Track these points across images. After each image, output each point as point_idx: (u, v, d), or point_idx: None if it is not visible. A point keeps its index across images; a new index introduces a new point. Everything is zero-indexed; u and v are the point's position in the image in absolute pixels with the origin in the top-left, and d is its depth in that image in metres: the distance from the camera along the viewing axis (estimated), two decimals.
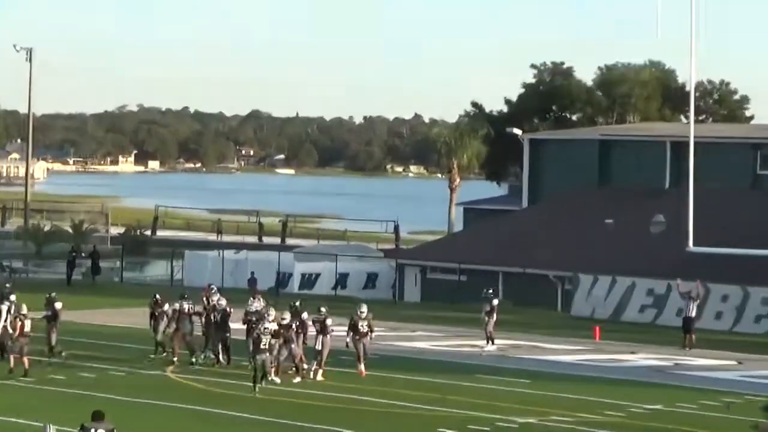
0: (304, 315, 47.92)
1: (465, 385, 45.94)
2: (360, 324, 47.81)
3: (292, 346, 45.93)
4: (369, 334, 47.85)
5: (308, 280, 79.33)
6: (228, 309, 49.47)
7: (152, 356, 49.47)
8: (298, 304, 49.54)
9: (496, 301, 56.52)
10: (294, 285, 78.50)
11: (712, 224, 60.48)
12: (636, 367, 53.36)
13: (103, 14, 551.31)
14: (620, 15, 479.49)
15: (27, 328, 46.61)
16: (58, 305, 50.51)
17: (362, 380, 45.57)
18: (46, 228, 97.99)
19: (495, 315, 55.70)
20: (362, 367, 47.08)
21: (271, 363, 44.81)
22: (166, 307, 50.52)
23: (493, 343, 55.21)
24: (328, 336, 47.59)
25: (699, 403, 44.20)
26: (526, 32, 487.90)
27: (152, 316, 50.63)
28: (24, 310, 47.33)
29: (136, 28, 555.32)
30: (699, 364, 54.21)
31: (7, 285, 53.72)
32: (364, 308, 48.28)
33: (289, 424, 37.24)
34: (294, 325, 46.88)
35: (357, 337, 47.70)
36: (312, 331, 47.28)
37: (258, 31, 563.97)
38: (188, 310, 49.40)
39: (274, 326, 45.41)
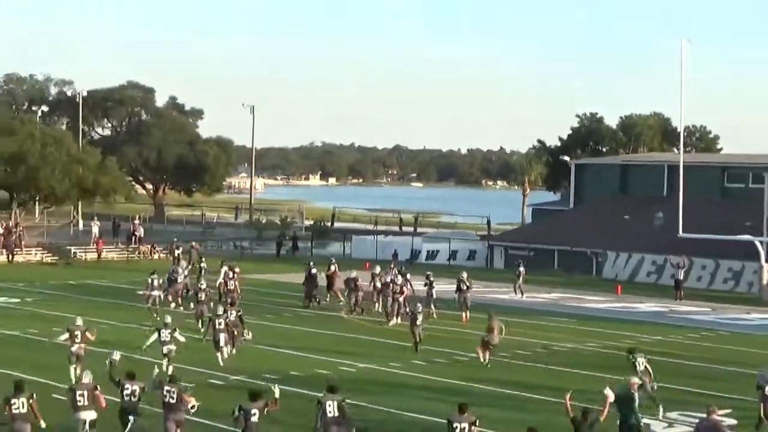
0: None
1: (530, 322, 46.15)
2: (461, 284, 48.09)
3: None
4: (468, 290, 47.85)
5: (431, 255, 79.41)
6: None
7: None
8: (429, 273, 50.40)
9: (522, 269, 57.70)
10: (422, 258, 78.72)
11: (695, 219, 60.01)
12: (644, 311, 53.24)
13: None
14: (636, 81, 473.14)
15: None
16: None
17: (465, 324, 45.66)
18: (263, 221, 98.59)
19: (521, 277, 57.15)
20: (465, 315, 46.77)
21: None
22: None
23: (522, 295, 56.33)
24: (434, 290, 48.75)
25: (685, 336, 44.09)
26: (571, 90, 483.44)
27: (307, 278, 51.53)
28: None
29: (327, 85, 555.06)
30: (685, 309, 54.00)
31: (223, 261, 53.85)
32: (464, 274, 48.67)
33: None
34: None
35: (460, 293, 47.96)
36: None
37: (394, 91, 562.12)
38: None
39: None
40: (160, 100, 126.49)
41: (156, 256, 73.14)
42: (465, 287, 48.18)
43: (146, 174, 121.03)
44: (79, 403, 23.81)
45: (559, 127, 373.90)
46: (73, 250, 75.00)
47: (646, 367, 28.61)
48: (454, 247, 79.94)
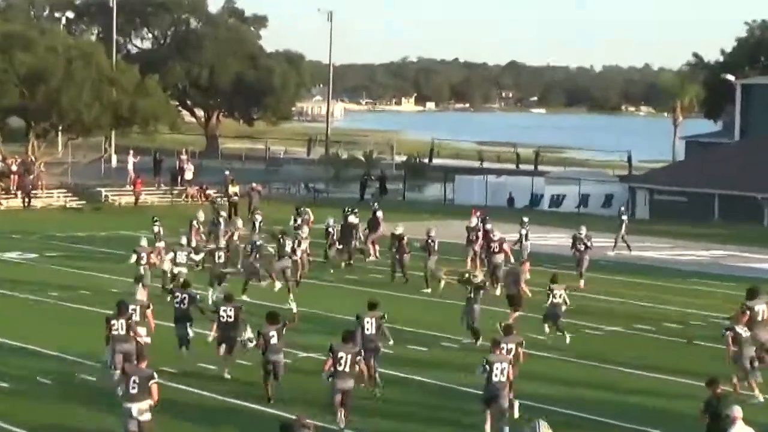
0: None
1: (678, 286, 45.49)
2: (578, 243, 46.40)
3: None
4: (587, 250, 46.17)
5: (556, 200, 79.12)
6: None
7: None
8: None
9: (624, 217, 57.43)
10: (545, 204, 78.43)
11: None
12: None
13: None
14: None
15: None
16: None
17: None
18: (343, 156, 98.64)
19: (624, 226, 56.30)
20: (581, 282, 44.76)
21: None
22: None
23: (630, 250, 55.31)
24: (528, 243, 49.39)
25: None
26: None
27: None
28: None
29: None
30: None
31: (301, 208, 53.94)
32: (584, 229, 46.83)
33: None
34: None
35: (577, 252, 46.48)
36: None
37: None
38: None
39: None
40: (214, 5, 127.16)
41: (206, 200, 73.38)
42: (583, 246, 46.38)
43: (196, 98, 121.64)
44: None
45: (722, 37, 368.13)
46: (104, 193, 75.76)
47: None
48: (586, 191, 79.42)
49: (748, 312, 30.38)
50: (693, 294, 44.17)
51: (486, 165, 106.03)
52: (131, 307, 29.36)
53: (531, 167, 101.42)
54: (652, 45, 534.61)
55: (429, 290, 43.43)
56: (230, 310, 29.91)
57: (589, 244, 46.43)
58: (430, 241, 44.90)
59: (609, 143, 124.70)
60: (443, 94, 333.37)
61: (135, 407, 24.15)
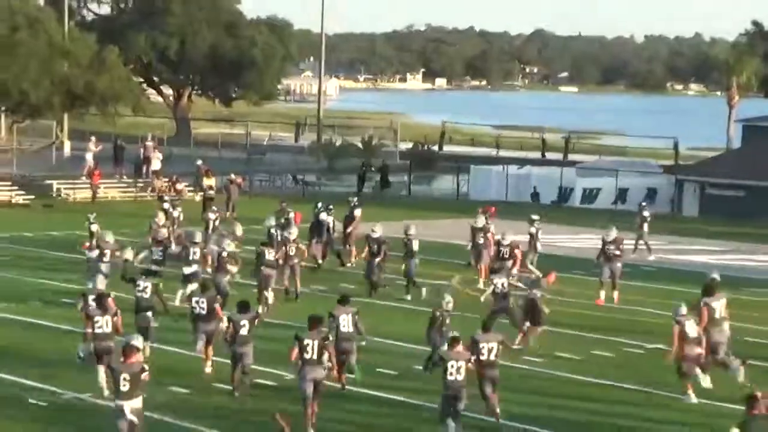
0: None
1: (731, 296, 45.36)
2: (607, 248, 44.98)
3: None
4: (618, 258, 44.75)
5: (589, 195, 79.33)
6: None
7: None
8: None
9: (646, 213, 56.89)
10: (575, 200, 78.62)
11: None
12: None
13: None
14: None
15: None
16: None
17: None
18: (338, 143, 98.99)
19: (646, 225, 55.99)
20: (614, 293, 44.07)
21: None
22: None
23: (650, 254, 55.16)
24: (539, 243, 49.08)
25: None
26: None
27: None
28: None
29: None
30: None
31: (283, 203, 54.07)
32: (614, 232, 45.42)
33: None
34: None
35: (606, 260, 44.79)
36: None
37: None
38: None
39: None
40: None
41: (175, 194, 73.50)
42: (613, 254, 45.02)
43: (164, 73, 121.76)
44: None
45: None
46: (55, 186, 75.88)
47: None
48: (624, 184, 79.69)
49: (706, 310, 32.03)
50: (750, 306, 44.14)
51: (506, 153, 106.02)
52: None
53: (560, 156, 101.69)
54: (703, 10, 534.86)
55: (409, 297, 43.41)
56: (203, 302, 31.90)
57: (621, 249, 45.37)
58: (407, 240, 44.61)
59: (652, 128, 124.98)
60: (456, 69, 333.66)
61: (127, 406, 25.17)
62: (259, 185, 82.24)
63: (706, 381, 31.05)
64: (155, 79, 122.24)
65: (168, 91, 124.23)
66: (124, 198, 75.50)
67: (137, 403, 25.36)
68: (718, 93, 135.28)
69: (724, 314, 32.81)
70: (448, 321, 32.94)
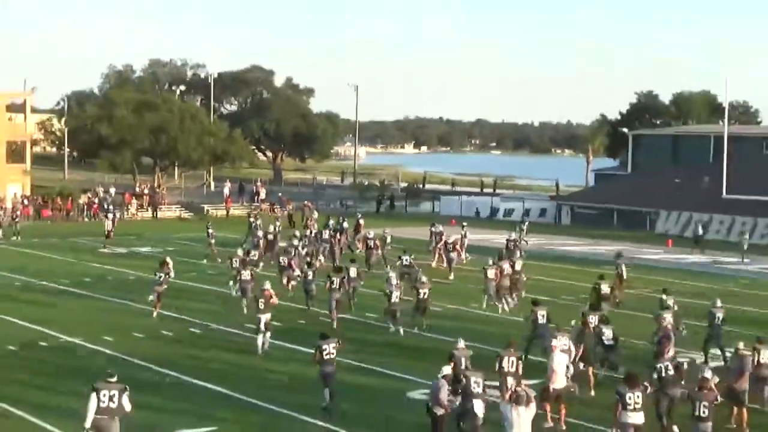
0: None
1: (592, 270, 45.49)
2: (509, 243, 45.66)
3: None
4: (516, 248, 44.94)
5: (507, 212, 78.87)
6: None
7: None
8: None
9: (525, 225, 57.58)
10: (500, 215, 78.47)
11: (737, 182, 59.07)
12: (691, 262, 52.65)
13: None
14: (686, 62, 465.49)
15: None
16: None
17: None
18: (365, 183, 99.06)
19: (524, 231, 55.22)
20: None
21: None
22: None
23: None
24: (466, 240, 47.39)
25: (725, 283, 43.55)
26: (632, 70, 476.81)
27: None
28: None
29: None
30: (727, 260, 53.33)
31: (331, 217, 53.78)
32: (513, 234, 47.34)
33: None
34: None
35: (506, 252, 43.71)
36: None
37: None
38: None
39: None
40: (279, 81, 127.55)
41: (276, 212, 73.57)
42: (513, 245, 45.15)
43: (266, 143, 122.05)
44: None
45: (620, 103, 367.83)
46: (206, 208, 76.02)
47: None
48: (528, 206, 79.67)
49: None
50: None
51: (460, 189, 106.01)
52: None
53: (491, 190, 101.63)
54: (573, 107, 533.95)
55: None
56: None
57: (521, 242, 46.81)
58: (384, 235, 44.21)
59: (543, 174, 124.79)
60: (432, 141, 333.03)
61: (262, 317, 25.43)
62: (320, 207, 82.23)
63: None
64: (262, 146, 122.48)
65: (269, 153, 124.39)
66: (244, 215, 75.43)
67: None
68: (581, 155, 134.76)
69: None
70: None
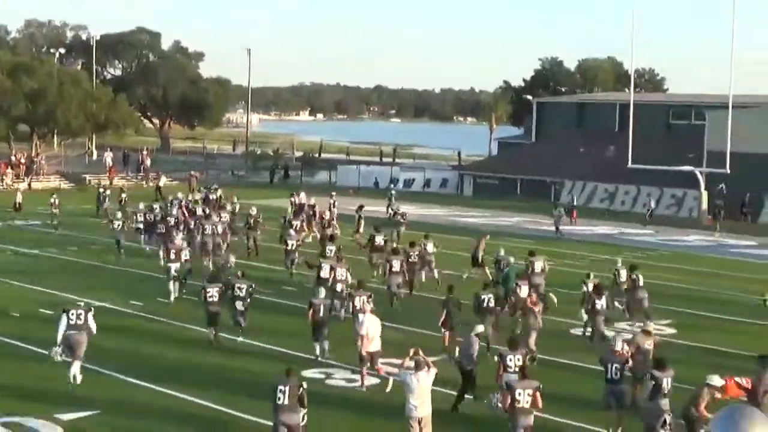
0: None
1: (491, 242, 45.59)
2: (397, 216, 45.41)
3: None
4: (403, 222, 44.90)
5: (408, 183, 79.29)
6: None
7: None
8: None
9: (393, 192, 58.14)
10: (400, 186, 78.67)
11: (642, 151, 59.89)
12: (597, 233, 53.38)
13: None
14: (593, 29, 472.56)
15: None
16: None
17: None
18: (258, 152, 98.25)
19: (393, 199, 55.41)
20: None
21: None
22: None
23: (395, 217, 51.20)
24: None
25: (632, 255, 44.16)
26: (536, 36, 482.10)
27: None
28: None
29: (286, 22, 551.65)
30: (633, 231, 54.20)
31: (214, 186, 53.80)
32: (400, 207, 46.74)
33: None
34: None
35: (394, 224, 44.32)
36: None
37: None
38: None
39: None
40: (166, 44, 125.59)
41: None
42: (400, 219, 44.58)
43: (153, 110, 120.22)
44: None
45: (524, 69, 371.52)
46: (87, 178, 74.60)
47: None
48: (428, 176, 79.94)
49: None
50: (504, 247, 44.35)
51: (358, 158, 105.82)
52: None
53: (390, 159, 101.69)
54: (476, 74, 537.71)
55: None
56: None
57: (403, 219, 45.46)
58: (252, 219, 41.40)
59: (445, 143, 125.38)
60: (329, 108, 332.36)
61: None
62: (210, 177, 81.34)
63: None
64: (148, 113, 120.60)
65: (156, 120, 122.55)
66: (130, 185, 74.32)
67: None
68: (484, 123, 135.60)
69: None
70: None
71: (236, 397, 20.77)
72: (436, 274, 34.21)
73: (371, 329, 22.17)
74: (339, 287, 28.37)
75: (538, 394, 17.22)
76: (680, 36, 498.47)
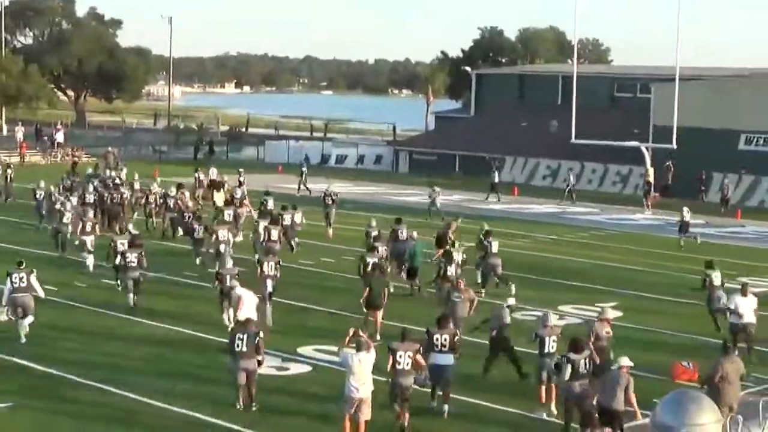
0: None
1: (418, 221, 45.88)
2: (327, 198, 43.76)
3: None
4: (334, 204, 43.64)
5: (340, 159, 79.33)
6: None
7: None
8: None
9: (305, 168, 58.13)
10: (332, 162, 78.62)
11: (586, 126, 60.28)
12: (540, 212, 53.80)
13: None
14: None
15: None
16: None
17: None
18: (181, 126, 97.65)
19: (304, 176, 56.63)
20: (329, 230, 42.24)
21: None
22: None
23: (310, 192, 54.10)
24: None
25: (576, 234, 44.61)
26: (475, 4, 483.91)
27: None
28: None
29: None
30: (577, 210, 54.68)
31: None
32: (332, 187, 45.33)
33: None
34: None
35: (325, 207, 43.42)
36: None
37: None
38: None
39: None
40: (81, 11, 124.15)
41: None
42: (331, 199, 43.57)
43: (68, 82, 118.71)
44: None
45: (462, 40, 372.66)
46: None
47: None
48: (362, 152, 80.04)
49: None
50: (439, 226, 44.43)
51: (288, 133, 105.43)
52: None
53: (322, 134, 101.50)
54: (411, 44, 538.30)
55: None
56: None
57: (335, 198, 43.99)
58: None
59: (379, 117, 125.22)
60: (256, 80, 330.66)
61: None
62: (129, 153, 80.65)
63: None
64: (62, 85, 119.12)
65: (71, 93, 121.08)
66: (42, 161, 73.51)
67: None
68: (420, 96, 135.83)
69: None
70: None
71: (149, 383, 20.97)
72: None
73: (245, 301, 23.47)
74: (222, 248, 31.21)
75: (419, 356, 18.46)
76: (626, 5, 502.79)
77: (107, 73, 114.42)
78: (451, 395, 19.71)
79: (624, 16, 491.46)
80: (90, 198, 41.70)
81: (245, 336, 19.43)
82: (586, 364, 18.30)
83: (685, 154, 58.16)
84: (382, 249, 30.58)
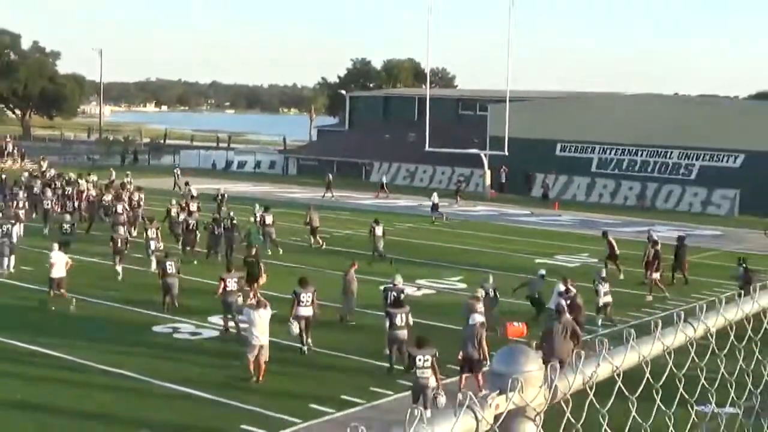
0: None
1: (326, 216, 45.41)
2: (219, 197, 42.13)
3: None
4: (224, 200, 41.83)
5: (241, 165, 78.34)
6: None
7: None
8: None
9: (177, 171, 57.76)
10: (234, 167, 77.63)
11: (438, 137, 60.82)
12: (401, 206, 53.69)
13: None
14: (394, 33, 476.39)
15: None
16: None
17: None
18: (111, 138, 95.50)
19: (178, 177, 55.00)
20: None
21: None
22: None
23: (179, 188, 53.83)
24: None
25: (429, 222, 44.51)
26: (349, 38, 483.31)
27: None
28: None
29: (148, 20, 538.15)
30: (431, 204, 54.66)
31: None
32: (222, 190, 43.89)
33: None
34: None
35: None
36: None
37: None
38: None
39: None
40: (26, 44, 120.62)
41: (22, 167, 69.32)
42: (220, 199, 41.09)
43: (15, 102, 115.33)
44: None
45: (338, 68, 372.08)
46: None
47: None
48: (259, 159, 79.30)
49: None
50: (328, 219, 43.83)
51: (199, 143, 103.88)
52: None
53: (226, 145, 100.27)
54: (297, 71, 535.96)
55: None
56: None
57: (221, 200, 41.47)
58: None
59: (272, 130, 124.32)
60: (172, 100, 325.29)
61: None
62: (67, 160, 78.55)
63: None
64: (11, 105, 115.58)
65: (18, 111, 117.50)
66: None
67: None
68: (305, 113, 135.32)
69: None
70: None
71: (83, 345, 20.12)
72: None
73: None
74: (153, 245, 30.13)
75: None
76: (468, 39, 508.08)
77: (49, 96, 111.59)
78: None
79: (467, 50, 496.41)
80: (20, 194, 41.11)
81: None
82: (424, 360, 16.43)
83: (514, 159, 59.01)
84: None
